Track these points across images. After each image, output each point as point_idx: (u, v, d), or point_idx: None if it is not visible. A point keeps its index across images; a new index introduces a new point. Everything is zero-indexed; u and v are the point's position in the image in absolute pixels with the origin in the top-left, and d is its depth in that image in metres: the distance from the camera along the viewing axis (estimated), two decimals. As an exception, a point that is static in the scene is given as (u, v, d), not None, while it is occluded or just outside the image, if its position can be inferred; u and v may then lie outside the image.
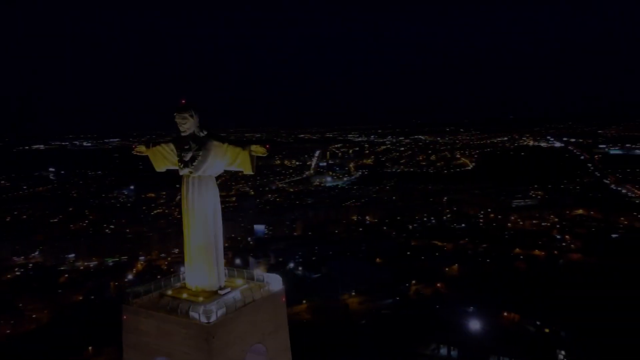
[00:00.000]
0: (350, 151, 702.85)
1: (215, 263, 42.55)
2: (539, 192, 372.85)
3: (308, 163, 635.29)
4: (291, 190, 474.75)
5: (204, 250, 41.65)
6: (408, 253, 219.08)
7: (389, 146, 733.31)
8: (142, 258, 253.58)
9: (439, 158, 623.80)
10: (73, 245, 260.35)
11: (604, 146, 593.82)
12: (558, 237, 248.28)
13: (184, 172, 40.25)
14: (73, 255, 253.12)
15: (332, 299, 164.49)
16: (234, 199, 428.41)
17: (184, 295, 41.00)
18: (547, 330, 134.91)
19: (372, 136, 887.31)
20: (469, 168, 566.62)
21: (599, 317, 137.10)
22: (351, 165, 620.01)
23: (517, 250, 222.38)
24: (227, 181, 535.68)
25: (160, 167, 43.46)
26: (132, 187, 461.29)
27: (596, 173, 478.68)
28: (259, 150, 39.01)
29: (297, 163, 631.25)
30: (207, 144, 39.54)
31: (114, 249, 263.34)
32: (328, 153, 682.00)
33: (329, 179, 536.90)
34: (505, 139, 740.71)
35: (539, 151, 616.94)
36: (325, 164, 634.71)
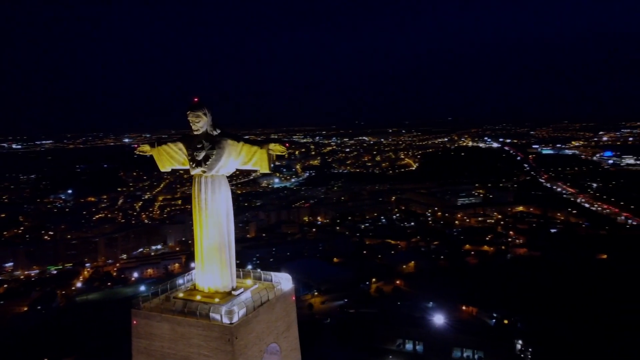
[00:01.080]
0: (297, 152, 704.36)
1: (229, 263, 41.72)
2: (481, 191, 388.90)
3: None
4: (239, 192, 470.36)
5: (218, 251, 40.68)
6: (364, 252, 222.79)
7: (334, 147, 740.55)
8: (88, 265, 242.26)
9: (384, 159, 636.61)
10: (10, 253, 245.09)
11: (537, 146, 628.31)
12: (503, 233, 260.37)
13: (196, 171, 39.16)
14: (11, 264, 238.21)
15: (295, 299, 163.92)
16: (179, 202, 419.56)
17: (198, 297, 40.01)
18: (506, 322, 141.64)
19: (317, 137, 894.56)
20: (413, 168, 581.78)
21: (549, 306, 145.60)
22: (298, 166, 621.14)
23: (467, 246, 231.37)
24: (171, 184, 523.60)
25: (166, 166, 42.13)
26: (69, 191, 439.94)
27: (532, 172, 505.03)
28: (277, 148, 38.66)
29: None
30: (221, 143, 38.58)
31: (56, 257, 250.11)
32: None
33: (276, 180, 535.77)
34: (446, 139, 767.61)
35: (478, 151, 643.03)
36: (272, 165, 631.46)
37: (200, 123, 38.77)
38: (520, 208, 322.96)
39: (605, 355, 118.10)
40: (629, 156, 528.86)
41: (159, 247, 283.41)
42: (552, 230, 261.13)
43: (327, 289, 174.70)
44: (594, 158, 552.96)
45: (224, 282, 40.82)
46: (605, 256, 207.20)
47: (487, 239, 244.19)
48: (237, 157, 39.20)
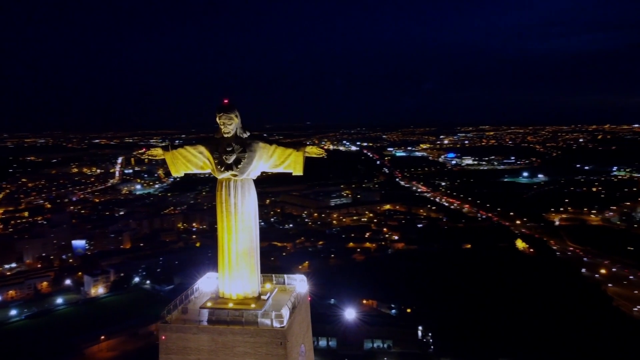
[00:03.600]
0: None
1: (257, 268, 41.24)
2: (348, 191, 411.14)
3: (111, 170, 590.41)
4: (97, 200, 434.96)
5: (247, 256, 39.93)
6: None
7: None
8: None
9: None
10: None
11: (391, 149, 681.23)
12: (378, 230, 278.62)
13: (225, 175, 37.93)
14: None
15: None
16: (26, 213, 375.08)
17: (230, 305, 39.01)
18: (408, 311, 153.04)
19: (177, 141, 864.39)
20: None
21: (436, 293, 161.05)
22: (161, 171, 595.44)
23: (351, 244, 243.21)
24: (13, 194, 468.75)
25: (179, 171, 40.09)
26: None
27: (389, 173, 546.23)
28: (313, 151, 39.09)
29: (99, 171, 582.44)
30: (251, 146, 37.79)
31: None
32: (133, 159, 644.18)
33: (138, 186, 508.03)
34: (308, 143, 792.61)
35: (339, 154, 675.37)
36: (131, 170, 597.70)
37: (232, 125, 37.76)
38: (388, 206, 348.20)
39: (492, 331, 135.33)
40: (467, 157, 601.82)
41: (13, 265, 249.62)
42: (419, 225, 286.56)
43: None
44: (440, 159, 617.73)
45: (252, 287, 40.22)
46: (469, 245, 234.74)
47: (367, 236, 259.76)
48: (267, 160, 38.77)
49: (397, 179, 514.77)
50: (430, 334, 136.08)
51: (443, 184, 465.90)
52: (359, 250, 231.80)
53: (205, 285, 45.84)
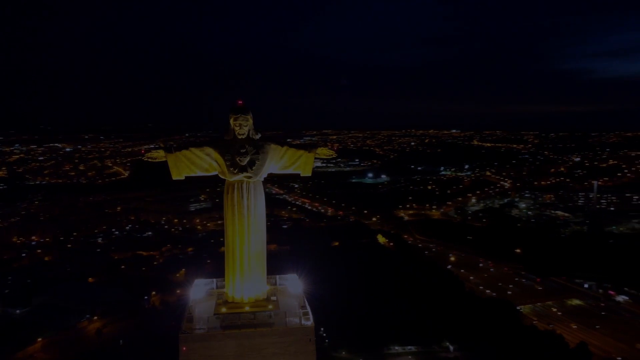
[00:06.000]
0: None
1: (266, 269, 41.94)
2: (204, 196, 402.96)
3: None
4: None
5: (260, 258, 40.55)
6: (123, 267, 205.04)
7: (23, 155, 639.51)
8: None
9: (89, 167, 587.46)
10: None
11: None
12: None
13: (238, 177, 38.12)
14: None
15: (70, 329, 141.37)
16: None
17: (247, 308, 39.21)
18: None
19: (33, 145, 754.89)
20: (125, 176, 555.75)
21: (321, 290, 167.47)
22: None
23: (223, 249, 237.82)
24: None
25: (181, 173, 38.99)
26: None
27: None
28: (324, 152, 40.48)
29: None
30: (264, 147, 38.25)
31: None
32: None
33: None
34: (152, 146, 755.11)
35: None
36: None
37: (247, 127, 38.07)
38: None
39: (377, 320, 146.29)
40: (315, 160, 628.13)
41: None
42: (284, 227, 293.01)
43: (104, 310, 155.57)
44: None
45: (262, 289, 40.90)
46: (337, 243, 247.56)
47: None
48: (278, 161, 39.54)
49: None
50: (322, 329, 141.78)
51: (296, 185, 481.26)
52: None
53: (194, 293, 44.62)
